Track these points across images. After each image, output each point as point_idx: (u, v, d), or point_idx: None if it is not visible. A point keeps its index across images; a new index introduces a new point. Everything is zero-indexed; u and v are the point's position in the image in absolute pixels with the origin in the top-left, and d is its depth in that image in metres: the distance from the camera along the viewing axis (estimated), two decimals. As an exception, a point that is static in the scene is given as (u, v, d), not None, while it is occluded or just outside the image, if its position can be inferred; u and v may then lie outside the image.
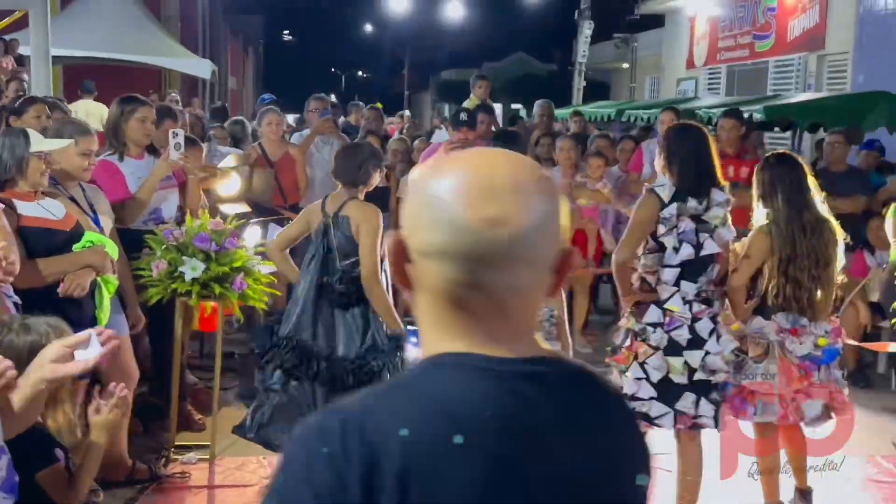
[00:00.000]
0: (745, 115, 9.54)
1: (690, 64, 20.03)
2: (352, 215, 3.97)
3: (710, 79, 19.27)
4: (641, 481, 1.20)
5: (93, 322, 3.69)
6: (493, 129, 7.87)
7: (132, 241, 4.44)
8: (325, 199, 4.13)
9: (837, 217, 5.96)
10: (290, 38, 41.13)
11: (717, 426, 3.82)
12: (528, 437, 1.10)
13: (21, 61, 13.13)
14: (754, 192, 4.04)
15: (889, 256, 5.73)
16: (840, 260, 3.98)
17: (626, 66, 24.33)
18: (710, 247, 3.75)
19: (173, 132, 4.58)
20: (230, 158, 6.20)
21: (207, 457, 4.63)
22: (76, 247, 3.68)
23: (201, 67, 19.61)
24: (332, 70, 53.25)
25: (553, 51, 33.40)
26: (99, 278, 3.77)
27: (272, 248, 4.33)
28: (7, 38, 13.98)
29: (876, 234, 6.39)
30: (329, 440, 1.05)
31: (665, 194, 3.73)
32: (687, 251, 3.72)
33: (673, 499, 3.83)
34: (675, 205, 3.70)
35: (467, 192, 1.09)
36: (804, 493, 4.14)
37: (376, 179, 4.16)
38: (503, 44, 38.21)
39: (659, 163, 3.87)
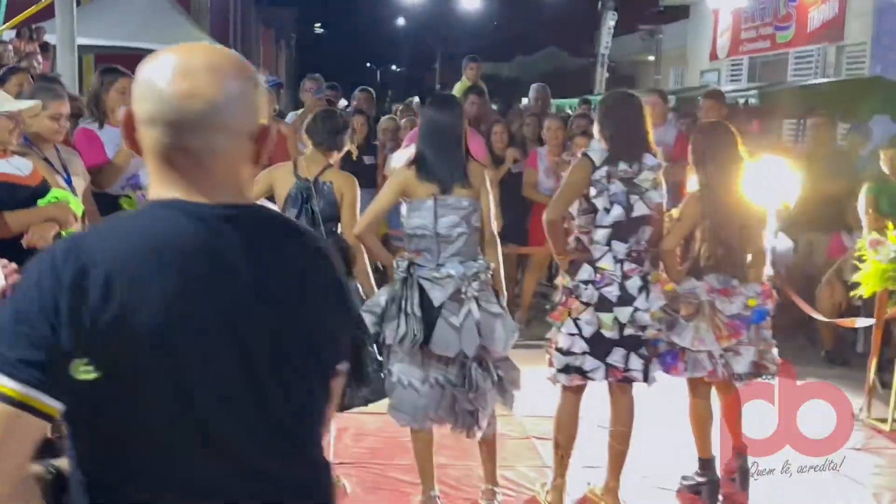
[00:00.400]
0: (742, 101, 9.69)
1: (714, 55, 19.99)
2: (335, 182, 4.06)
3: (732, 70, 19.24)
4: (333, 323, 1.41)
5: None
6: (483, 110, 8.08)
7: (109, 205, 4.70)
8: (293, 162, 4.20)
9: (820, 198, 6.10)
10: (322, 30, 41.55)
11: (646, 380, 3.98)
12: (217, 260, 1.37)
13: (47, 48, 13.58)
14: (689, 159, 4.19)
15: (863, 236, 5.82)
16: (771, 225, 4.12)
17: (651, 58, 24.30)
18: (640, 209, 3.90)
19: None
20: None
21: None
22: (41, 202, 3.93)
23: (226, 59, 20.00)
24: (368, 65, 53.65)
25: (583, 45, 33.36)
26: (63, 232, 4.02)
27: None
28: (33, 25, 14.47)
29: (854, 215, 6.47)
30: (55, 256, 1.34)
31: (597, 158, 3.89)
32: (617, 212, 3.88)
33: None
34: (605, 168, 3.86)
35: (168, 71, 1.37)
36: (741, 451, 4.28)
37: (346, 148, 4.29)
38: (534, 37, 38.22)
39: (594, 129, 4.03)
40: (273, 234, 1.45)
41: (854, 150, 7.37)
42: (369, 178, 6.78)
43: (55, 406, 1.29)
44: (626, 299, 3.88)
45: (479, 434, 3.85)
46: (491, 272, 3.78)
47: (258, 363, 1.38)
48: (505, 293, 3.96)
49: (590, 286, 3.91)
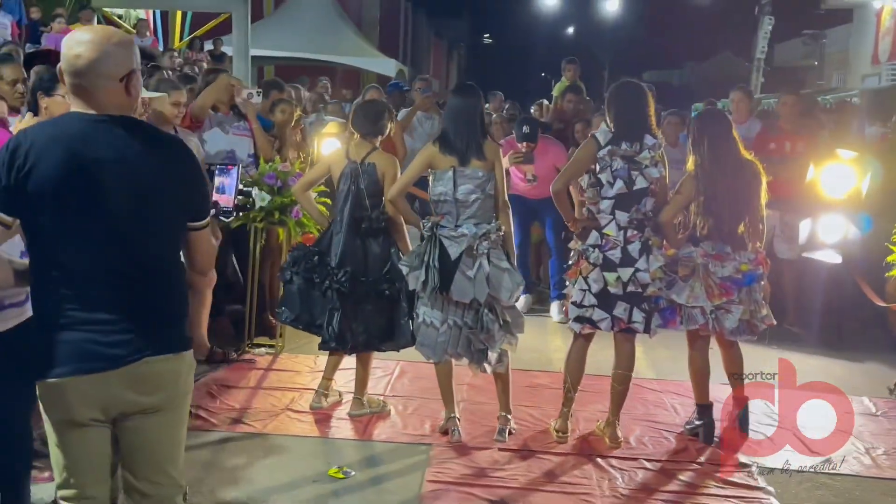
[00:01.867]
0: (848, 101, 9.80)
1: (875, 59, 19.46)
2: (378, 163, 4.86)
3: (892, 74, 18.65)
4: (176, 188, 2.49)
5: None
6: (580, 107, 8.73)
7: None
8: (346, 148, 5.04)
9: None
10: (490, 41, 42.72)
11: (647, 331, 4.60)
12: (89, 141, 2.40)
13: (222, 58, 15.28)
14: (689, 142, 4.76)
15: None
16: (763, 197, 4.63)
17: (815, 63, 23.77)
18: (640, 182, 4.53)
19: (257, 91, 6.02)
20: (331, 125, 7.50)
21: (274, 351, 5.94)
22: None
23: (386, 66, 21.42)
24: (543, 74, 54.37)
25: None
26: None
27: (296, 189, 5.22)
28: (213, 38, 16.30)
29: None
30: (12, 138, 2.47)
31: (602, 138, 4.56)
32: (619, 186, 4.52)
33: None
34: (609, 147, 4.52)
35: (69, 44, 2.44)
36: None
37: (389, 132, 5.12)
38: (704, 43, 37.69)
39: (606, 113, 4.69)
40: (132, 131, 2.46)
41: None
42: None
43: (9, 219, 2.43)
44: (627, 261, 4.52)
45: (488, 369, 4.60)
46: (502, 233, 4.51)
47: (114, 204, 2.41)
48: (514, 251, 4.68)
49: (597, 249, 4.57)
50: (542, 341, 6.62)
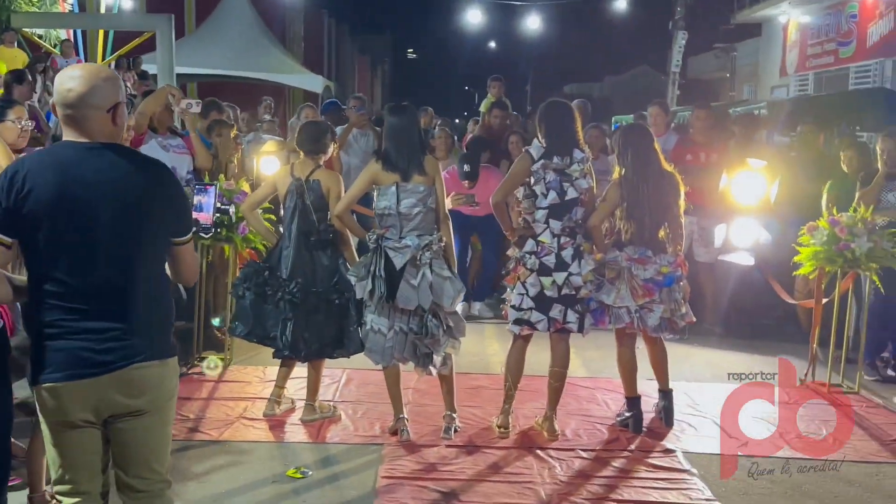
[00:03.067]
0: (756, 112, 10.46)
1: (783, 71, 20.51)
2: (322, 180, 5.15)
3: (799, 85, 19.71)
4: (161, 208, 2.78)
5: None
6: (507, 122, 9.16)
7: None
8: (291, 166, 5.30)
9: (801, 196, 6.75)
10: (414, 55, 43.25)
11: (581, 330, 4.99)
12: (81, 168, 2.68)
13: (146, 76, 15.30)
14: (615, 153, 5.18)
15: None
16: (682, 205, 5.07)
17: (727, 75, 24.83)
18: (571, 193, 4.92)
19: (196, 102, 6.32)
20: (269, 143, 7.76)
21: (223, 364, 6.16)
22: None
23: (314, 83, 21.63)
24: (467, 88, 55.20)
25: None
26: None
27: (244, 208, 5.51)
28: (132, 57, 16.30)
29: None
30: (11, 165, 2.77)
31: (535, 153, 4.94)
32: (552, 197, 4.90)
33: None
34: (542, 161, 4.90)
35: (61, 79, 2.74)
36: (666, 393, 5.24)
37: (332, 150, 5.41)
38: (622, 57, 38.76)
39: (537, 129, 5.07)
40: (119, 156, 2.76)
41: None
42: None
43: (8, 240, 2.68)
44: (561, 266, 4.91)
45: (434, 371, 4.93)
46: (443, 244, 4.85)
47: (103, 223, 2.69)
48: (455, 261, 5.02)
49: (533, 256, 4.94)
50: (481, 346, 6.96)
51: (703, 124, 7.89)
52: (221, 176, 6.21)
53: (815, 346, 6.26)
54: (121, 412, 2.76)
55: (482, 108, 9.17)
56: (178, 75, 14.49)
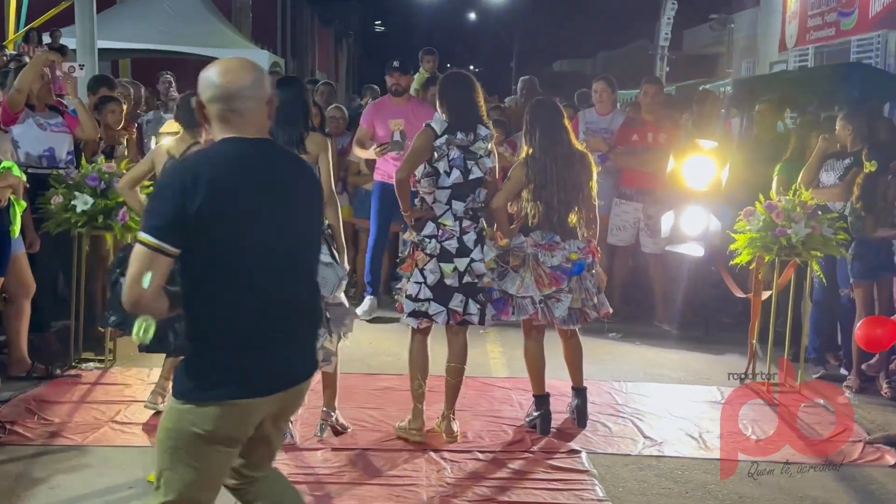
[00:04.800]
0: (720, 91, 10.68)
1: (783, 45, 20.74)
2: None
3: (799, 60, 19.94)
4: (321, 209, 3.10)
5: (8, 234, 5.46)
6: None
7: (37, 182, 6.14)
8: (171, 144, 5.50)
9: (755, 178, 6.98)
10: (384, 29, 43.33)
11: (482, 322, 5.17)
12: (260, 166, 2.89)
13: (63, 51, 15.38)
14: (523, 130, 5.36)
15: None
16: (594, 187, 5.26)
17: (723, 50, 25.10)
18: (476, 172, 5.09)
19: (80, 65, 6.46)
20: (170, 123, 7.89)
21: (103, 366, 6.30)
22: (-1, 168, 5.40)
23: (259, 58, 21.64)
24: (448, 65, 55.28)
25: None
26: (12, 197, 5.48)
27: (121, 186, 5.72)
28: (51, 30, 16.37)
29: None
30: (181, 167, 3.05)
31: (438, 128, 5.11)
32: (456, 175, 5.07)
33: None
34: (445, 136, 5.07)
35: (217, 73, 2.87)
36: (579, 391, 5.43)
37: None
38: (616, 32, 38.94)
39: (438, 103, 5.23)
40: (283, 154, 3.08)
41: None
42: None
43: (174, 251, 2.72)
44: (463, 251, 5.07)
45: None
46: (327, 227, 5.02)
47: (285, 223, 2.88)
48: (343, 246, 5.19)
49: (433, 240, 5.11)
50: (400, 346, 7.09)
51: (653, 100, 8.08)
52: (102, 158, 6.36)
53: (753, 341, 6.47)
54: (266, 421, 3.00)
55: (415, 86, 9.32)
56: (105, 50, 14.57)
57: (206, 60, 12.21)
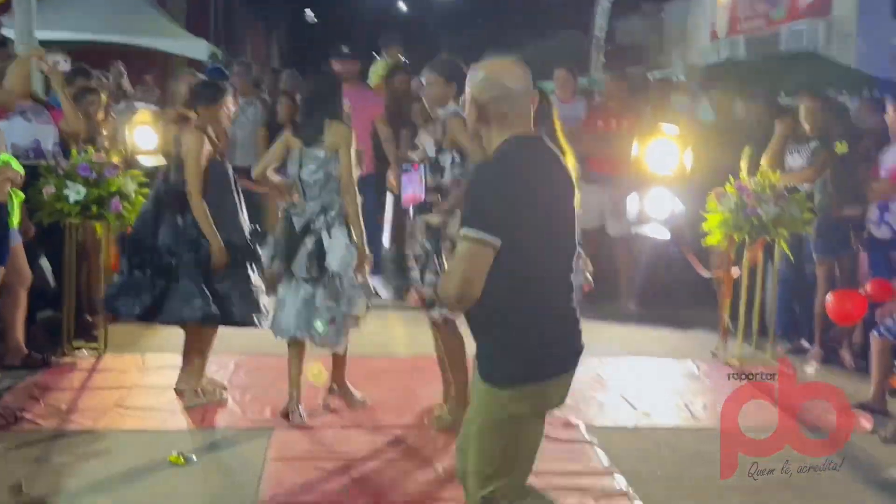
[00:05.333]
0: (675, 79, 11.03)
1: (714, 35, 21.29)
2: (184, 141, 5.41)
3: (730, 50, 20.49)
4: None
5: (7, 225, 5.48)
6: (410, 86, 9.44)
7: (28, 173, 6.13)
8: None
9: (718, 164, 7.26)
10: (315, 20, 43.16)
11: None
12: (552, 159, 3.03)
13: (4, 43, 15.09)
14: None
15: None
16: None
17: (656, 38, 25.62)
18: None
19: (64, 58, 6.42)
20: (142, 113, 7.92)
21: (96, 353, 6.35)
22: (-2, 161, 5.40)
23: (198, 49, 21.48)
24: (375, 55, 55.29)
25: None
26: (11, 190, 5.49)
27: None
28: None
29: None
30: (498, 167, 2.96)
31: None
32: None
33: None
34: None
35: (502, 73, 2.97)
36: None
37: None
38: (548, 21, 39.24)
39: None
40: (552, 148, 3.08)
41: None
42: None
43: (498, 244, 2.81)
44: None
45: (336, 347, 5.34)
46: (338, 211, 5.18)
47: (568, 214, 3.03)
48: (363, 231, 5.23)
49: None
50: (384, 328, 7.26)
51: (619, 92, 8.39)
52: (91, 148, 6.38)
53: (725, 318, 6.78)
54: None
55: (381, 73, 9.40)
56: (42, 42, 14.33)
57: (146, 51, 12.15)
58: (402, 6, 47.27)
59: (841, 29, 16.01)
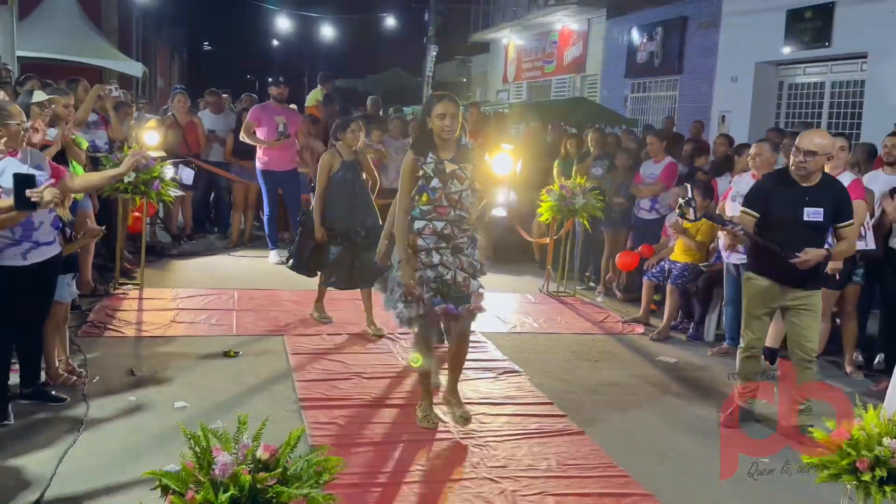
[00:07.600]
0: (488, 112, 12.01)
1: (505, 79, 22.50)
2: None
3: (516, 91, 21.78)
4: None
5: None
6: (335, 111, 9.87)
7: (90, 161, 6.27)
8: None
9: (535, 169, 8.12)
10: (210, 47, 41.68)
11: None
12: None
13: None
14: None
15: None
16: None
17: (465, 80, 26.62)
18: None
19: (115, 87, 6.58)
20: (151, 121, 8.01)
21: (139, 287, 6.59)
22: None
23: (134, 68, 20.64)
24: (248, 77, 53.63)
25: (419, 67, 35.21)
26: (79, 168, 5.63)
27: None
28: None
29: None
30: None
31: None
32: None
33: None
34: None
35: None
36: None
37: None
38: (381, 59, 39.64)
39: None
40: None
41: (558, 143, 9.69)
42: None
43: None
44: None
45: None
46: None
47: None
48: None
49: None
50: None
51: (475, 118, 9.19)
52: (127, 147, 6.56)
53: (549, 267, 7.76)
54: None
55: (316, 98, 9.77)
56: (20, 58, 13.55)
57: (93, 68, 11.86)
58: (275, 42, 46.18)
59: (591, 81, 17.49)
